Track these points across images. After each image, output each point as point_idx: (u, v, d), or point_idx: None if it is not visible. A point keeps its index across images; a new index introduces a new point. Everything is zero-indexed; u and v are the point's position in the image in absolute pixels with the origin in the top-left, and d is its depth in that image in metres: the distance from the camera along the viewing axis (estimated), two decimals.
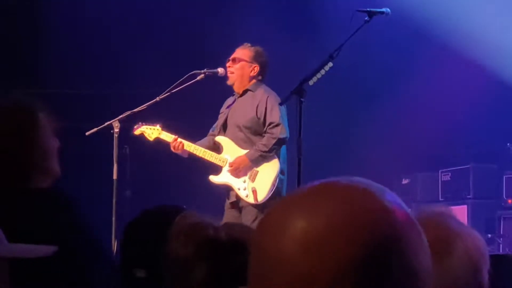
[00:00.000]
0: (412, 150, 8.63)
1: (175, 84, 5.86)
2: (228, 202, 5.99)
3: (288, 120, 5.89)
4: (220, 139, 6.06)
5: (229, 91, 6.22)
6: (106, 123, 5.76)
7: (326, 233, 0.85)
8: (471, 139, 8.39)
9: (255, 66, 6.02)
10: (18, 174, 2.50)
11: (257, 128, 5.95)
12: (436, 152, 8.62)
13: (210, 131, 6.21)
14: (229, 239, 1.89)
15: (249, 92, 6.03)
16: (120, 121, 5.76)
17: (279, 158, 5.90)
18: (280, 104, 5.69)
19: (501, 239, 7.77)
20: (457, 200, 8.16)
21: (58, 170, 2.65)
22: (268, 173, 5.87)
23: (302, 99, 5.01)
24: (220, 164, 5.98)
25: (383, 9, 5.21)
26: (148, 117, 6.08)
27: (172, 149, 6.00)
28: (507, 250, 7.59)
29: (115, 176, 5.67)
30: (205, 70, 5.99)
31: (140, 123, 6.10)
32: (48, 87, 7.51)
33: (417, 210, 1.60)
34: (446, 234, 1.57)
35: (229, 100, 6.19)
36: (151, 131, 6.07)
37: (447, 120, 8.37)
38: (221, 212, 5.97)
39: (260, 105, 5.93)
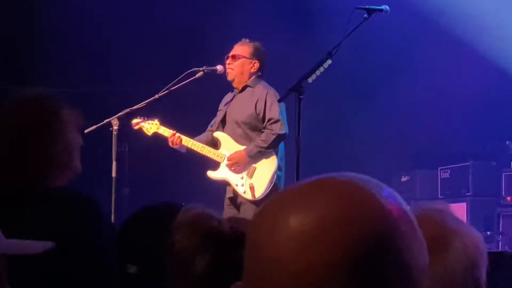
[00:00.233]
0: (411, 148, 8.64)
1: (174, 82, 5.86)
2: (227, 199, 6.00)
3: (286, 117, 5.89)
4: (218, 134, 6.06)
5: (228, 89, 6.22)
6: (105, 121, 5.75)
7: (318, 229, 0.85)
8: (470, 137, 8.39)
9: (255, 62, 6.02)
10: (38, 168, 2.48)
11: (256, 124, 5.94)
12: (435, 149, 8.62)
13: (209, 127, 6.21)
14: (233, 232, 1.89)
15: (248, 88, 6.03)
16: (119, 118, 5.76)
17: (277, 154, 5.90)
18: (279, 101, 5.69)
19: (500, 236, 7.77)
20: (456, 197, 8.17)
21: (79, 166, 2.63)
22: (266, 170, 5.87)
23: (301, 97, 5.02)
24: (218, 160, 5.98)
25: (382, 7, 5.21)
26: (147, 115, 6.08)
27: (170, 143, 5.99)
28: (506, 247, 7.59)
29: (114, 174, 5.67)
30: (204, 67, 5.99)
31: (139, 117, 6.09)
32: (46, 85, 7.50)
33: (415, 207, 1.59)
34: (444, 231, 1.57)
35: (228, 96, 6.19)
36: (149, 126, 6.07)
37: (446, 118, 8.37)
38: (220, 209, 5.97)
39: (259, 101, 5.93)
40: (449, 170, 8.47)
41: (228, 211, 5.91)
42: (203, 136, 6.13)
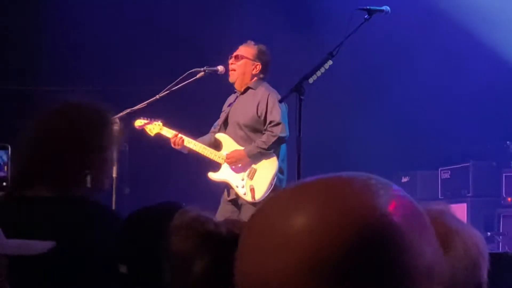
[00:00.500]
0: (411, 148, 8.63)
1: (175, 82, 5.86)
2: (226, 197, 6.00)
3: (288, 118, 5.89)
4: (220, 136, 6.06)
5: (229, 90, 6.22)
6: None
7: (304, 232, 0.84)
8: (471, 137, 8.39)
9: (257, 64, 6.02)
10: (73, 176, 2.46)
11: (257, 126, 5.95)
12: (435, 150, 8.62)
13: (212, 128, 6.22)
14: (230, 234, 1.88)
15: (250, 90, 6.04)
16: (119, 118, 5.76)
17: (278, 156, 5.90)
18: (280, 101, 5.69)
19: (501, 237, 7.77)
20: (457, 198, 8.16)
21: (108, 184, 2.62)
22: (266, 172, 5.87)
23: (301, 97, 5.02)
24: (219, 161, 5.99)
25: (383, 7, 5.21)
26: (148, 115, 6.09)
27: (172, 144, 6.00)
28: (506, 248, 7.58)
29: (114, 174, 5.66)
30: (205, 68, 5.99)
31: (143, 118, 6.10)
32: (47, 85, 7.50)
33: None
34: (445, 232, 1.57)
35: (231, 98, 6.20)
36: (152, 126, 6.08)
37: (446, 118, 8.37)
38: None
39: (261, 103, 5.94)
40: (449, 171, 8.47)
41: (224, 208, 5.91)
42: (206, 137, 6.13)
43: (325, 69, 5.07)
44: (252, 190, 5.83)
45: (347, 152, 8.27)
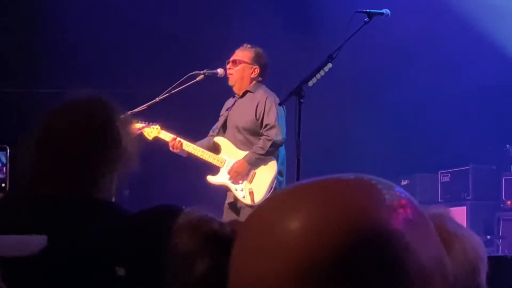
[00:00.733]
0: (411, 151, 8.63)
1: (174, 85, 5.85)
2: (226, 203, 5.99)
3: (287, 121, 5.89)
4: (219, 139, 6.06)
5: (228, 92, 6.21)
6: None
7: (299, 236, 0.83)
8: (471, 140, 8.39)
9: (255, 68, 6.02)
10: (87, 179, 2.45)
11: (256, 129, 5.95)
12: (435, 153, 8.62)
13: (210, 132, 6.21)
14: (235, 235, 1.88)
15: (249, 94, 6.03)
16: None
17: (277, 159, 5.90)
18: (279, 104, 5.68)
19: (500, 240, 7.76)
20: (456, 201, 8.16)
21: (116, 184, 2.61)
22: (265, 175, 5.87)
23: (301, 100, 5.01)
24: (217, 165, 5.98)
25: (383, 10, 5.21)
26: (147, 118, 6.08)
27: (171, 148, 6.00)
28: (506, 251, 7.58)
29: None
30: (204, 70, 5.99)
31: (141, 121, 6.09)
32: (46, 87, 7.50)
33: None
34: (444, 235, 1.56)
35: (230, 102, 6.19)
36: (150, 130, 6.07)
37: (446, 121, 8.37)
38: (219, 212, 5.96)
39: (259, 105, 5.93)
40: (449, 174, 8.47)
41: (228, 216, 5.91)
42: (205, 141, 6.13)
43: (325, 72, 5.06)
44: (251, 193, 5.83)
45: (347, 155, 8.27)
